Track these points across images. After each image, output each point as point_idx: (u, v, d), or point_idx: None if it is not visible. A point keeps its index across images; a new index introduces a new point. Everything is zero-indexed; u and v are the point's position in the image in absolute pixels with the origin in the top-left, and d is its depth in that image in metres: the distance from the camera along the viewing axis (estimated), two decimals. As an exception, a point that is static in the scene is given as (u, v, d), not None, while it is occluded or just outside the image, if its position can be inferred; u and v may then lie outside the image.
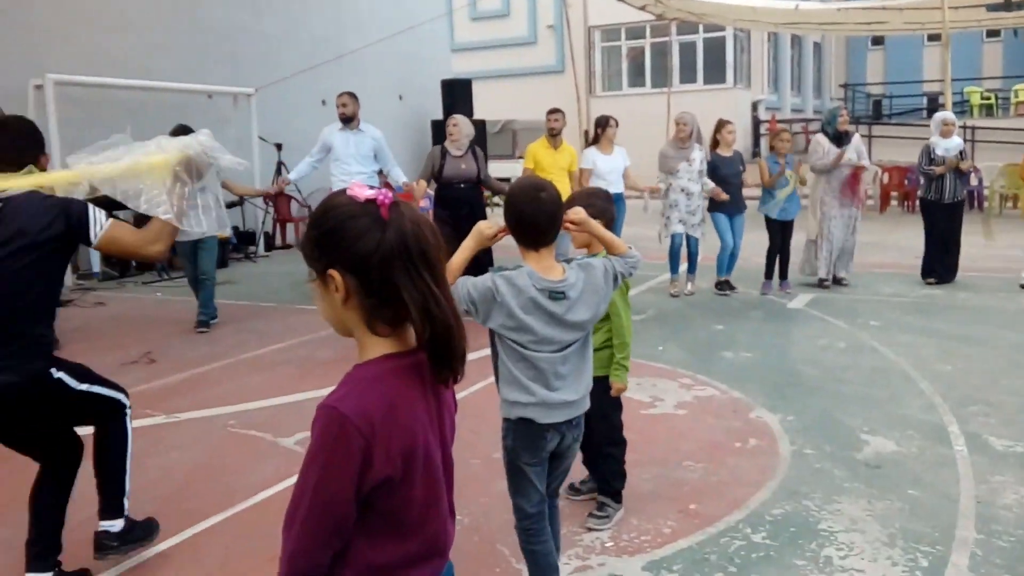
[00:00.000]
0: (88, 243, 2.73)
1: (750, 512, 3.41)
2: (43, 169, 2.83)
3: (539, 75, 22.61)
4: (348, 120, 7.30)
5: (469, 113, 14.59)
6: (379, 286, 1.30)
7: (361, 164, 7.33)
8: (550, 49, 23.27)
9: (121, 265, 10.04)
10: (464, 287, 2.36)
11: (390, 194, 1.32)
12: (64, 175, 2.67)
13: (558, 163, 7.56)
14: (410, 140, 15.38)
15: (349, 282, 1.31)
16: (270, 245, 12.33)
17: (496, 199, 7.61)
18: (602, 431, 3.29)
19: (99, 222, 2.72)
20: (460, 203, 6.87)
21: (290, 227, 12.64)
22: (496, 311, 2.37)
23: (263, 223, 12.11)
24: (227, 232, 2.62)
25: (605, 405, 3.20)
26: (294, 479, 3.53)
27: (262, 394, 5.13)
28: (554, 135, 7.63)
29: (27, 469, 3.04)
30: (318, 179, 7.73)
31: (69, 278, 9.13)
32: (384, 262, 1.28)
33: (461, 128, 6.97)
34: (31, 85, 9.09)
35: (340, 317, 1.36)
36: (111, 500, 2.97)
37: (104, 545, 2.93)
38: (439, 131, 14.87)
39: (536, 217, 2.40)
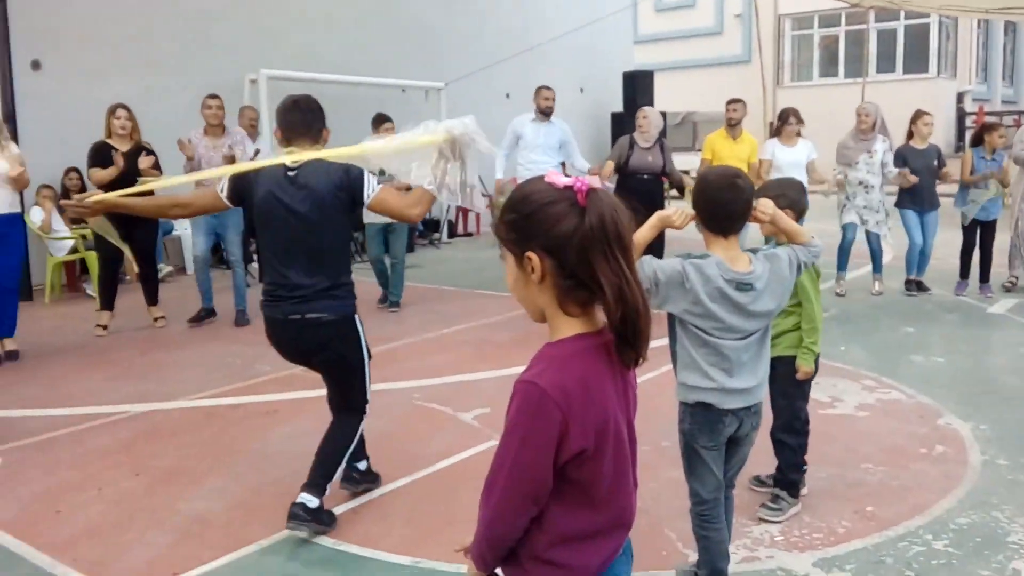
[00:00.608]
0: (362, 203, 3.18)
1: (932, 519, 3.27)
2: (325, 140, 3.30)
3: (724, 66, 22.08)
4: (549, 113, 7.59)
5: (650, 104, 14.53)
6: (576, 268, 1.35)
7: (547, 154, 7.55)
8: (736, 39, 22.66)
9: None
10: (650, 267, 2.38)
11: (587, 181, 1.39)
12: (351, 150, 3.07)
13: (737, 154, 7.44)
14: (590, 132, 15.49)
15: (546, 263, 1.37)
16: (452, 232, 12.84)
17: (674, 191, 7.59)
18: (783, 416, 3.28)
19: (372, 186, 3.18)
20: (641, 193, 6.92)
21: (471, 215, 13.11)
22: (681, 296, 2.42)
23: (447, 211, 12.62)
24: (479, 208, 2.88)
25: (789, 388, 3.21)
26: (470, 451, 3.79)
27: (443, 371, 5.41)
28: (732, 125, 7.54)
29: (236, 425, 3.40)
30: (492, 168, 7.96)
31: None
32: (583, 245, 1.34)
33: (651, 121, 7.08)
34: (247, 80, 9.95)
35: (533, 297, 1.43)
36: (318, 480, 3.20)
37: (296, 515, 3.12)
38: (619, 123, 14.92)
39: (731, 205, 2.46)
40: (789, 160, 7.35)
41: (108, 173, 6.10)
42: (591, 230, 1.34)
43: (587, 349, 1.41)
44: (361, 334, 3.32)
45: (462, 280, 8.91)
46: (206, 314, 6.91)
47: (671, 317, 2.53)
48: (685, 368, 2.54)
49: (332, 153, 3.13)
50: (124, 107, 6.42)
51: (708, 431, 2.55)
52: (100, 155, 6.26)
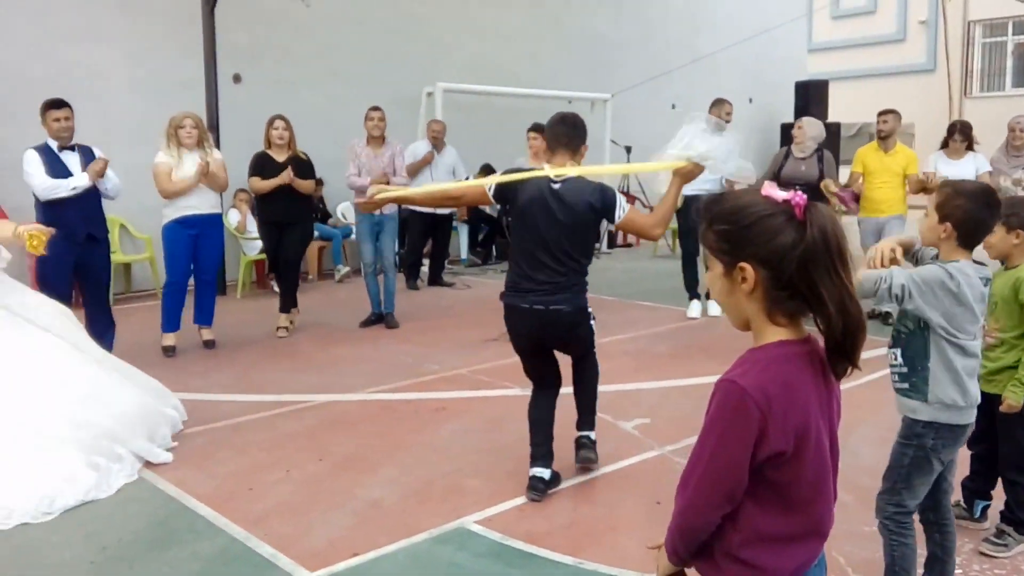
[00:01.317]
0: (613, 221, 3.58)
1: None
2: (583, 155, 3.66)
3: (905, 75, 20.89)
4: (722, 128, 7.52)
5: (823, 115, 14.00)
6: (793, 280, 1.40)
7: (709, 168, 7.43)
8: (920, 46, 21.40)
9: (484, 254, 11.16)
10: (904, 275, 2.43)
11: (804, 196, 1.43)
12: (605, 169, 3.66)
13: (888, 167, 7.15)
14: (758, 143, 15.11)
15: (759, 274, 1.42)
16: (612, 243, 12.87)
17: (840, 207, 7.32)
18: (1010, 456, 3.14)
19: (622, 206, 3.58)
20: None
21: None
22: (943, 298, 2.44)
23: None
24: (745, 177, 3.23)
25: (1014, 426, 3.08)
26: (631, 460, 3.83)
27: (605, 380, 5.42)
28: (883, 138, 7.24)
29: (408, 419, 3.59)
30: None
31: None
32: (804, 259, 1.38)
33: (805, 131, 6.97)
34: (424, 92, 10.41)
35: (739, 305, 1.48)
36: (588, 415, 3.82)
37: (585, 444, 3.75)
38: (789, 135, 14.48)
39: (988, 223, 2.55)
40: (952, 174, 6.92)
41: (269, 184, 6.47)
42: (813, 244, 1.38)
43: (791, 356, 1.44)
44: (592, 320, 3.73)
45: (622, 290, 8.93)
46: (376, 318, 7.21)
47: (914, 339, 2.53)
48: (942, 385, 2.51)
49: (590, 171, 3.59)
50: (282, 118, 6.70)
51: (951, 447, 2.58)
52: (259, 165, 6.59)
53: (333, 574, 3.01)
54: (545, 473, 3.64)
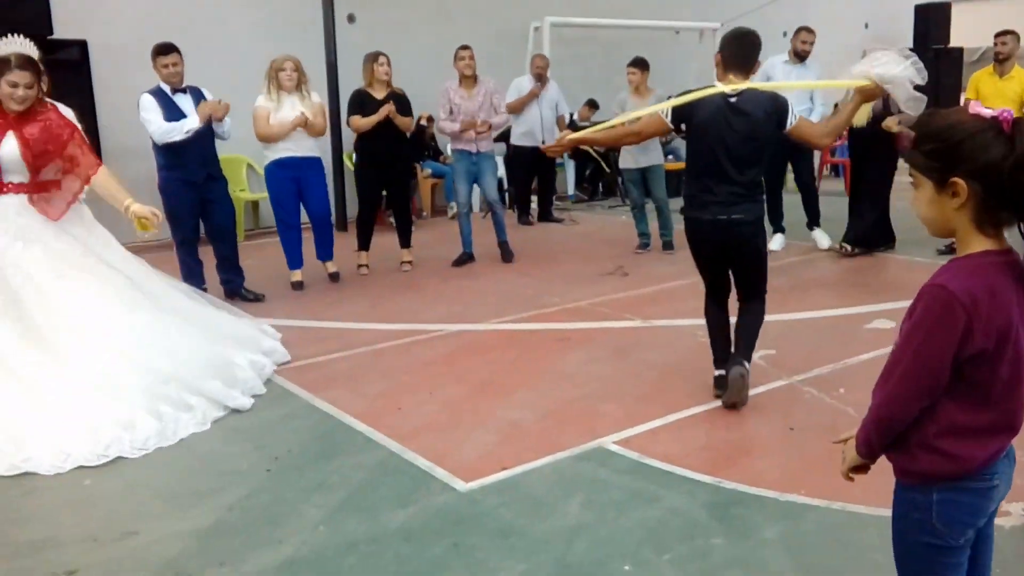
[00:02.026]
0: (784, 127, 3.73)
1: None
2: (754, 72, 3.86)
3: (1035, -6, 19.54)
4: (804, 57, 7.38)
5: (945, 40, 13.36)
6: (1006, 192, 1.50)
7: (796, 99, 7.32)
8: (1053, -38, 19.92)
9: (590, 190, 11.21)
10: None
11: (1011, 111, 1.51)
12: (777, 85, 4.15)
13: (1003, 92, 6.84)
14: (873, 72, 14.49)
15: (971, 189, 1.52)
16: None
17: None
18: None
19: (793, 113, 3.75)
20: None
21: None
22: None
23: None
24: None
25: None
26: (759, 388, 3.97)
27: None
28: (1001, 61, 6.98)
29: (535, 348, 3.76)
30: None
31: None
32: (1015, 170, 1.48)
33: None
34: (531, 27, 10.39)
35: (948, 218, 1.58)
36: (747, 351, 3.98)
37: (740, 375, 3.89)
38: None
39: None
40: None
41: (368, 121, 6.51)
42: (1023, 156, 1.47)
43: (996, 264, 1.55)
44: (767, 232, 4.01)
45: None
46: (467, 258, 7.23)
47: None
48: None
49: (767, 86, 3.77)
50: (385, 55, 6.70)
51: None
52: (359, 102, 6.63)
53: (486, 484, 3.23)
54: (747, 365, 3.92)
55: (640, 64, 7.46)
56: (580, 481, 3.26)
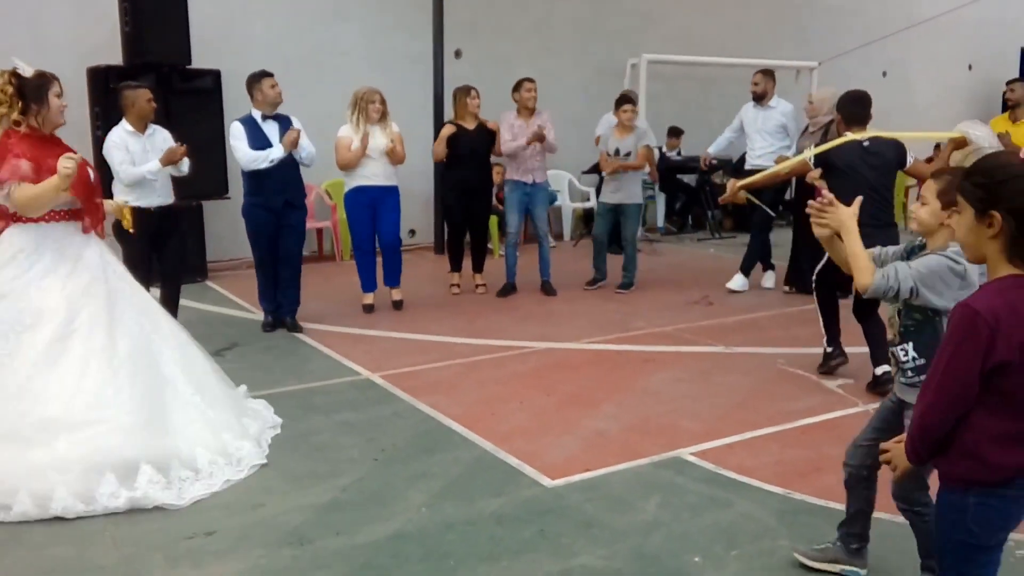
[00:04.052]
0: (904, 165, 4.79)
1: None
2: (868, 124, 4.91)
3: None
4: (759, 98, 7.63)
5: (1055, 82, 13.06)
6: None
7: (764, 140, 7.57)
8: None
9: (679, 222, 11.44)
10: (908, 267, 2.46)
11: None
12: (898, 134, 4.79)
13: (1015, 137, 6.99)
14: (977, 112, 14.27)
15: (1007, 223, 1.77)
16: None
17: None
18: None
19: (910, 155, 4.79)
20: None
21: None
22: (951, 282, 2.43)
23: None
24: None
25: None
26: (835, 413, 4.19)
27: (808, 343, 5.68)
28: (1011, 108, 7.29)
29: (621, 367, 4.05)
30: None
31: (639, 230, 10.72)
32: None
33: (817, 107, 6.93)
34: (628, 64, 10.75)
35: (981, 245, 1.84)
36: (880, 354, 4.57)
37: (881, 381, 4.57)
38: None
39: None
40: None
41: (439, 150, 6.98)
42: None
43: (1019, 284, 1.79)
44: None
45: (824, 260, 8.95)
46: (510, 288, 7.29)
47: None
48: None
49: (881, 134, 4.65)
50: (475, 89, 7.09)
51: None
52: (451, 134, 6.97)
53: (570, 483, 3.55)
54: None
55: (630, 100, 7.62)
56: (658, 485, 3.54)
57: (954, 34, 13.38)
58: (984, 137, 4.50)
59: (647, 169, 7.81)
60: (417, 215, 9.48)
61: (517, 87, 7.18)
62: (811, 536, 3.06)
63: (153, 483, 3.36)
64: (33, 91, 3.68)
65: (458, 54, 9.87)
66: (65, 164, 3.50)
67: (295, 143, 5.84)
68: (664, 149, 10.81)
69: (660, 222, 11.34)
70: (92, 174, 3.90)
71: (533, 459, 3.79)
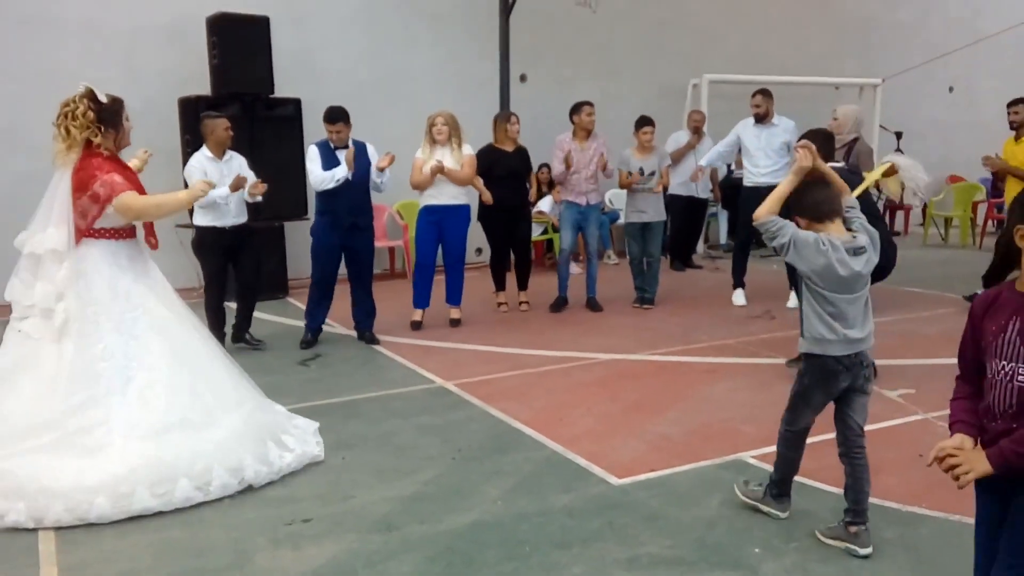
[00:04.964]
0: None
1: None
2: None
3: None
4: (762, 118, 7.64)
5: None
6: None
7: (769, 158, 7.55)
8: None
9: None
10: (793, 228, 3.08)
11: None
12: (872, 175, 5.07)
13: (1016, 155, 7.24)
14: (1048, 126, 14.05)
15: None
16: (878, 230, 12.69)
17: None
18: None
19: None
20: None
21: (899, 214, 12.82)
22: (814, 257, 3.04)
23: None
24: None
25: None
26: (894, 421, 4.36)
27: (868, 354, 5.81)
28: (1015, 128, 7.28)
29: (683, 377, 4.25)
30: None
31: (700, 246, 10.88)
32: None
33: (841, 122, 6.88)
34: (690, 84, 10.96)
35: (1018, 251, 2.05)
36: None
37: None
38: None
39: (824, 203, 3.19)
40: None
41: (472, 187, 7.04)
42: None
43: None
44: None
45: (891, 277, 8.97)
46: (563, 302, 7.58)
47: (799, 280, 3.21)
48: (811, 323, 3.13)
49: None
50: (515, 115, 7.43)
51: (824, 384, 3.17)
52: (484, 158, 7.19)
53: (637, 482, 3.77)
54: None
55: (652, 123, 7.71)
56: (720, 484, 3.73)
57: (1018, 48, 13.24)
58: (910, 166, 5.04)
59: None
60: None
61: (576, 110, 7.41)
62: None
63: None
64: (110, 115, 3.91)
65: (523, 78, 10.22)
66: (202, 187, 3.96)
67: (391, 162, 6.23)
68: (732, 167, 10.97)
69: (723, 239, 11.46)
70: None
71: (600, 459, 4.02)
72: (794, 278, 7.54)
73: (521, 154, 7.41)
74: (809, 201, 3.16)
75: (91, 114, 3.84)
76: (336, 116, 6.19)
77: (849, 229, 3.16)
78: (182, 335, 3.95)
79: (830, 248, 3.04)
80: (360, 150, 6.27)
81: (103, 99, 3.90)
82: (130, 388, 3.66)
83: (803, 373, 3.28)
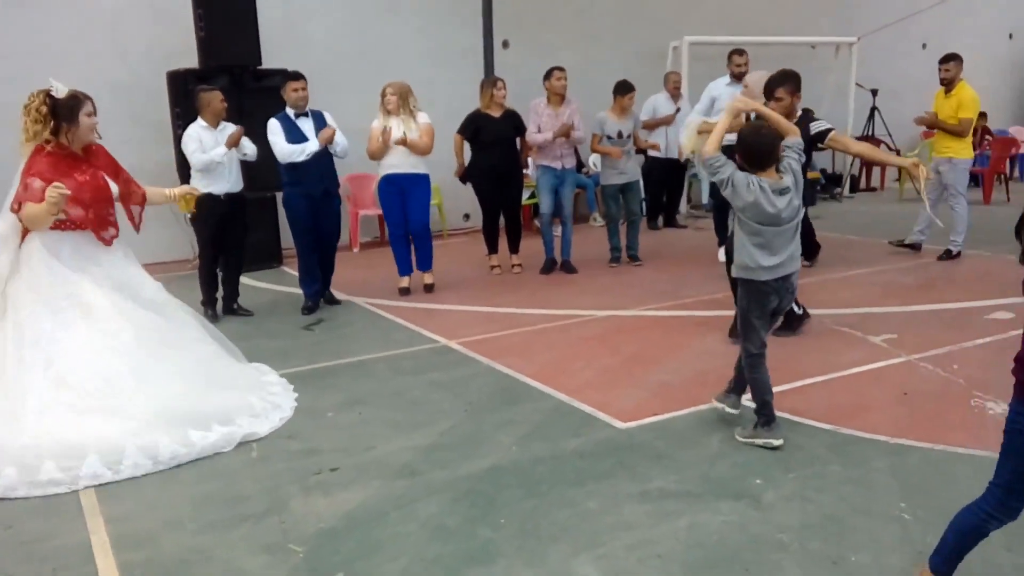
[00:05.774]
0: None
1: None
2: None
3: None
4: (740, 77, 7.83)
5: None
6: None
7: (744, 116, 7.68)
8: None
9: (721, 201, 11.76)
10: (731, 167, 3.55)
11: None
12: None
13: (943, 108, 7.64)
14: (1017, 82, 14.38)
15: None
16: (855, 187, 12.96)
17: None
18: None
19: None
20: None
21: (875, 170, 13.10)
22: (745, 195, 3.51)
23: (850, 166, 12.76)
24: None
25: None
26: (879, 363, 4.65)
27: (852, 304, 6.07)
28: (944, 84, 7.65)
29: (677, 330, 4.47)
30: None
31: (684, 206, 11.09)
32: None
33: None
34: (670, 47, 11.09)
35: None
36: None
37: None
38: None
39: (762, 148, 3.61)
40: None
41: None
42: None
43: None
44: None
45: (866, 231, 9.27)
46: (551, 264, 7.73)
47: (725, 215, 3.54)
48: (741, 251, 3.63)
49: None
50: (502, 80, 7.50)
51: (759, 303, 3.67)
52: (474, 123, 7.40)
53: (641, 425, 4.00)
54: None
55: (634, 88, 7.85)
56: (720, 425, 3.96)
57: (993, 4, 13.49)
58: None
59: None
60: (473, 201, 9.94)
61: (548, 75, 7.52)
62: (858, 462, 3.48)
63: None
64: (65, 111, 3.97)
65: (505, 44, 10.30)
66: (51, 194, 3.79)
67: (330, 140, 6.21)
68: (708, 128, 11.15)
69: (705, 199, 11.67)
70: (115, 188, 4.24)
71: (605, 407, 4.24)
72: (722, 234, 7.73)
73: (511, 118, 7.51)
74: (749, 147, 3.62)
75: (44, 108, 3.95)
76: (299, 74, 6.35)
77: (778, 171, 3.60)
78: (116, 324, 3.97)
79: (758, 189, 3.52)
80: (320, 120, 6.36)
81: (59, 95, 3.98)
82: (50, 370, 3.80)
83: (740, 297, 3.76)
